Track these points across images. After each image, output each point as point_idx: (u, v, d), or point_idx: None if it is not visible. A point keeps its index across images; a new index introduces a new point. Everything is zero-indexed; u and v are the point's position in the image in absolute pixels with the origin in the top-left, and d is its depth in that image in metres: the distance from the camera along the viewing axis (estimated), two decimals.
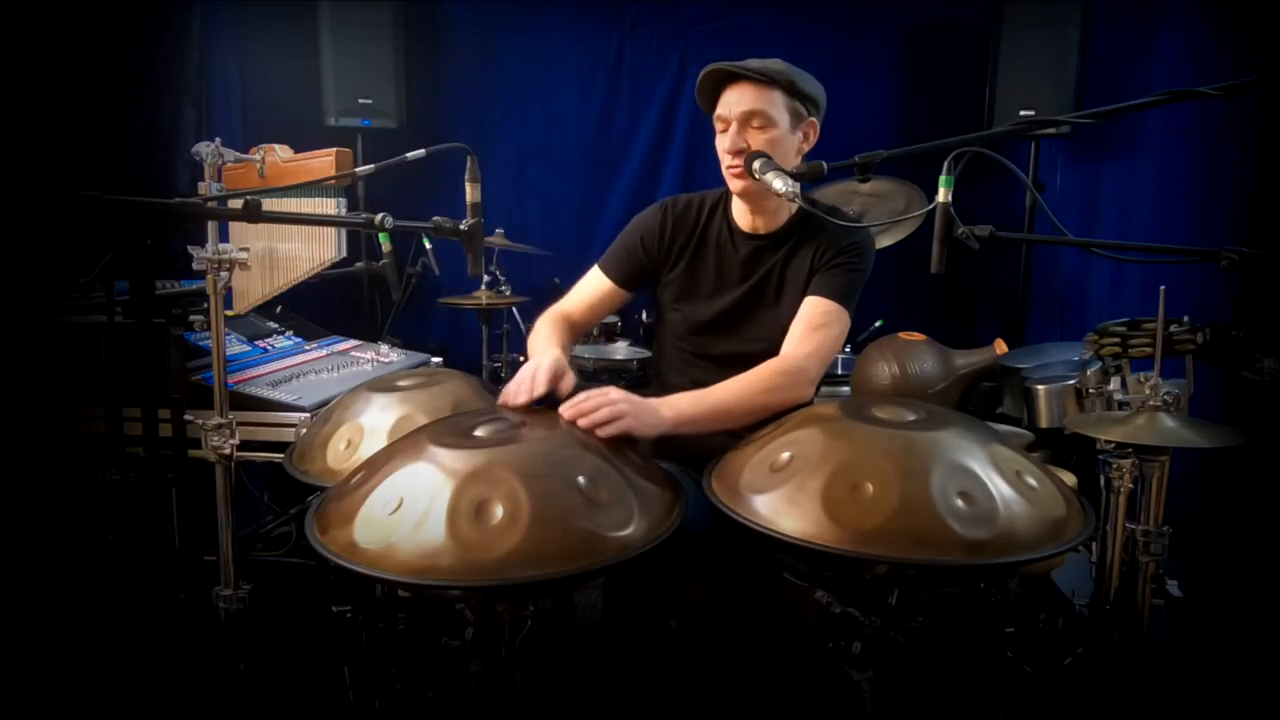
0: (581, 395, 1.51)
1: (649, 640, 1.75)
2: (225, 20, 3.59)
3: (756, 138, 1.79)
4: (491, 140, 4.15)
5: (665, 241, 1.96)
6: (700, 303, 1.94)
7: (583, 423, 1.45)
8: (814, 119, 1.87)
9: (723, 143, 1.83)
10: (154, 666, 1.84)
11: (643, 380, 3.09)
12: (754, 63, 1.79)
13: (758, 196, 1.86)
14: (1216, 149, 3.06)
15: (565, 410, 1.49)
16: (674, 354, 2.02)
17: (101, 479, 1.84)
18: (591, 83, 4.18)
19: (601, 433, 1.45)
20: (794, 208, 1.88)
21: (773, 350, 1.82)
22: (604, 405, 1.47)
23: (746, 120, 1.79)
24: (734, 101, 1.80)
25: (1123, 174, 3.60)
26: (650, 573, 1.65)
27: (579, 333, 2.00)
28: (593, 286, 2.01)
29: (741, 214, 1.94)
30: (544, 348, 1.78)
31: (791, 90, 1.81)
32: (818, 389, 1.93)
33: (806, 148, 1.89)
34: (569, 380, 1.61)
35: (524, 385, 1.56)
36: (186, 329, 2.31)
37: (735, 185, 1.86)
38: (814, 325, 1.81)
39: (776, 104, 1.79)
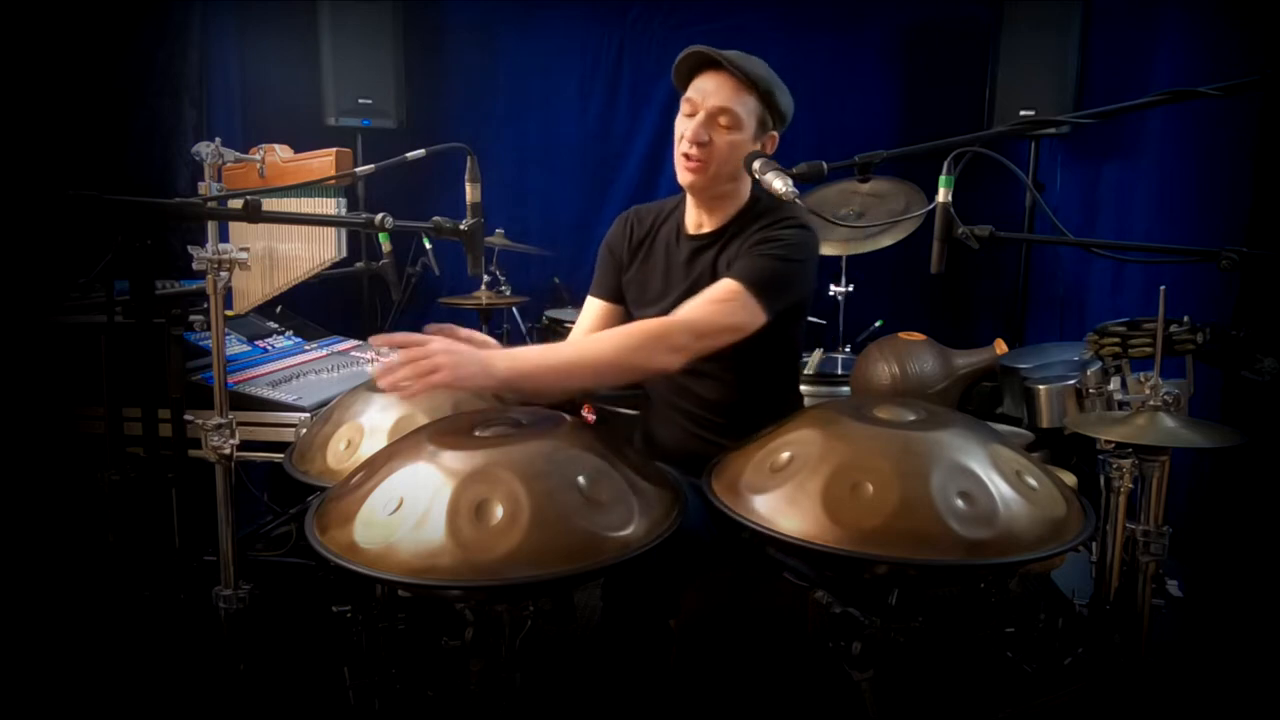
0: (403, 351, 1.40)
1: (648, 640, 1.75)
2: (225, 20, 3.59)
3: (721, 136, 1.77)
4: (491, 140, 4.14)
5: (627, 246, 1.99)
6: (649, 305, 1.93)
7: (383, 383, 1.36)
8: (775, 133, 1.85)
9: (683, 127, 1.80)
10: (154, 666, 1.84)
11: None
12: (738, 59, 1.76)
13: (704, 192, 1.84)
14: (1216, 149, 3.06)
15: (378, 375, 1.38)
16: None
17: (101, 479, 1.84)
18: (591, 83, 4.18)
19: (411, 390, 1.35)
20: (741, 205, 1.86)
21: (720, 352, 1.72)
22: (411, 361, 1.37)
23: (715, 115, 1.77)
24: (709, 90, 1.77)
25: (1123, 174, 3.60)
26: (650, 573, 1.65)
27: None
28: (587, 313, 2.04)
29: (690, 212, 1.92)
30: None
31: (767, 99, 1.78)
32: (801, 391, 1.92)
33: None
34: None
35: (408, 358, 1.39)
36: (186, 329, 2.31)
37: (684, 178, 1.82)
38: (705, 298, 1.69)
39: (748, 107, 1.77)
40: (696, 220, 1.92)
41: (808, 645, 1.59)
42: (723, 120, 1.77)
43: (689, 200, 1.92)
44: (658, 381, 1.99)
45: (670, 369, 1.65)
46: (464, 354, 1.42)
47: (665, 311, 1.86)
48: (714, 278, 1.80)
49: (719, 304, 1.68)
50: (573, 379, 1.58)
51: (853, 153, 1.63)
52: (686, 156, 1.80)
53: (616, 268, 2.00)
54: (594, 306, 2.03)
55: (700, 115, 1.77)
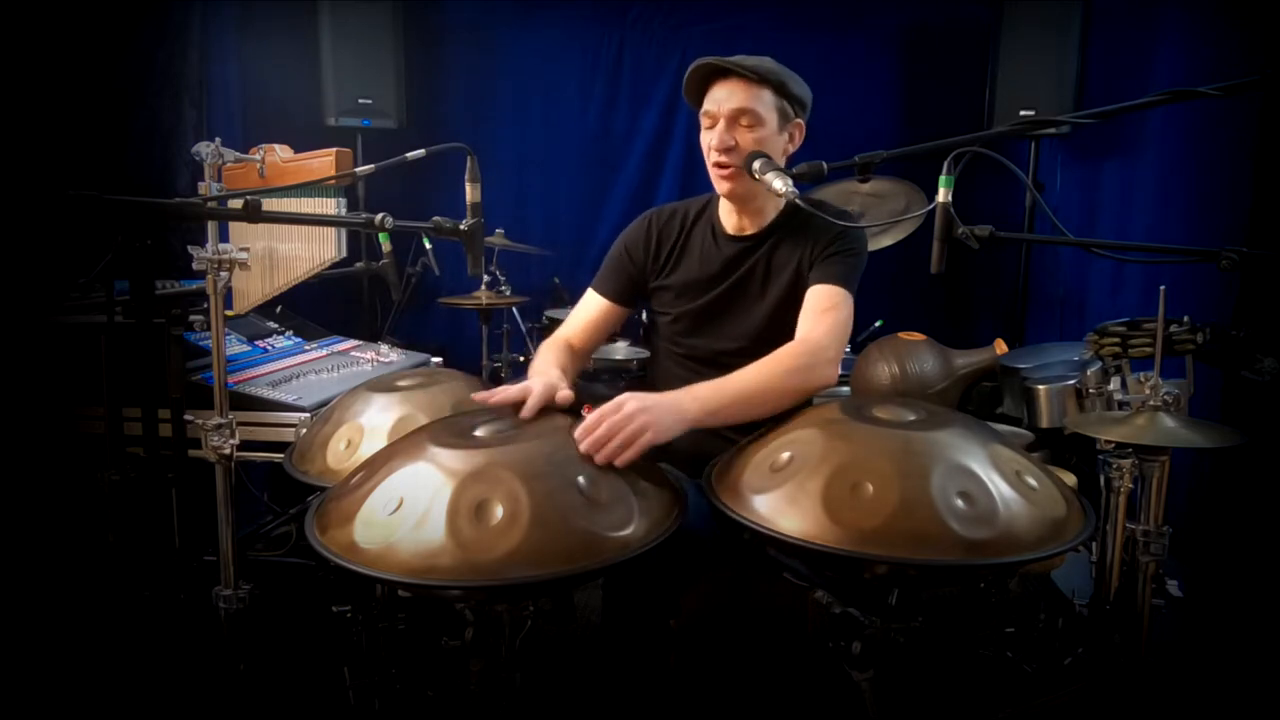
0: (594, 416, 1.40)
1: (649, 640, 1.75)
2: (225, 20, 3.59)
3: (745, 136, 1.78)
4: (491, 140, 4.15)
5: (652, 251, 1.96)
6: (685, 304, 1.94)
7: (600, 458, 1.35)
8: (800, 121, 1.86)
9: (709, 139, 1.81)
10: (154, 666, 1.84)
11: (642, 381, 3.09)
12: (745, 60, 1.77)
13: (744, 197, 1.85)
14: (1216, 149, 3.06)
15: (582, 443, 1.37)
16: (665, 357, 2.01)
17: (101, 479, 1.84)
18: (591, 83, 4.19)
19: (621, 460, 1.36)
20: (780, 206, 1.88)
21: (755, 347, 1.78)
22: (617, 430, 1.37)
23: (735, 118, 1.77)
24: (723, 98, 1.78)
25: (1123, 174, 3.60)
26: (650, 573, 1.65)
27: (581, 357, 1.96)
28: (587, 308, 2.00)
29: (727, 215, 1.93)
30: (542, 368, 1.73)
31: (781, 90, 1.79)
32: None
33: (792, 149, 1.88)
34: (564, 395, 1.53)
35: (511, 394, 1.52)
36: (186, 329, 2.31)
37: (722, 187, 1.84)
38: (823, 308, 1.78)
39: (765, 103, 1.78)
40: (737, 223, 1.92)
41: (808, 645, 1.59)
42: (744, 121, 1.78)
43: (726, 204, 1.92)
44: (663, 383, 1.99)
45: (831, 382, 1.71)
46: (657, 407, 1.44)
47: (704, 309, 1.92)
48: (766, 276, 1.88)
49: (836, 309, 1.79)
50: (749, 411, 1.60)
51: (853, 153, 1.63)
52: (718, 165, 1.81)
53: (636, 272, 1.98)
54: (596, 304, 1.99)
55: (721, 123, 1.78)
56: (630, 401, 1.42)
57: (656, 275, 1.97)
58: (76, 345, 2.05)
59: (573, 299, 3.84)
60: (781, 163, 1.83)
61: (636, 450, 1.38)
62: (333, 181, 2.25)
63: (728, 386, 1.60)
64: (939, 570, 1.27)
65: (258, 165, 2.07)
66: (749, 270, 1.90)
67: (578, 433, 1.39)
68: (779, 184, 1.66)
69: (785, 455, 1.38)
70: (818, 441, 1.39)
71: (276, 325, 2.78)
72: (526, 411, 1.47)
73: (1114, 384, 1.84)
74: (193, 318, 2.36)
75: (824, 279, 1.81)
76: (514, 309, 3.79)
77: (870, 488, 1.27)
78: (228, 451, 1.68)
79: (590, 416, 1.41)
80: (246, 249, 1.69)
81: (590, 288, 2.02)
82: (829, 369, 1.71)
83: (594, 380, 3.62)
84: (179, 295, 2.36)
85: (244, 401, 2.18)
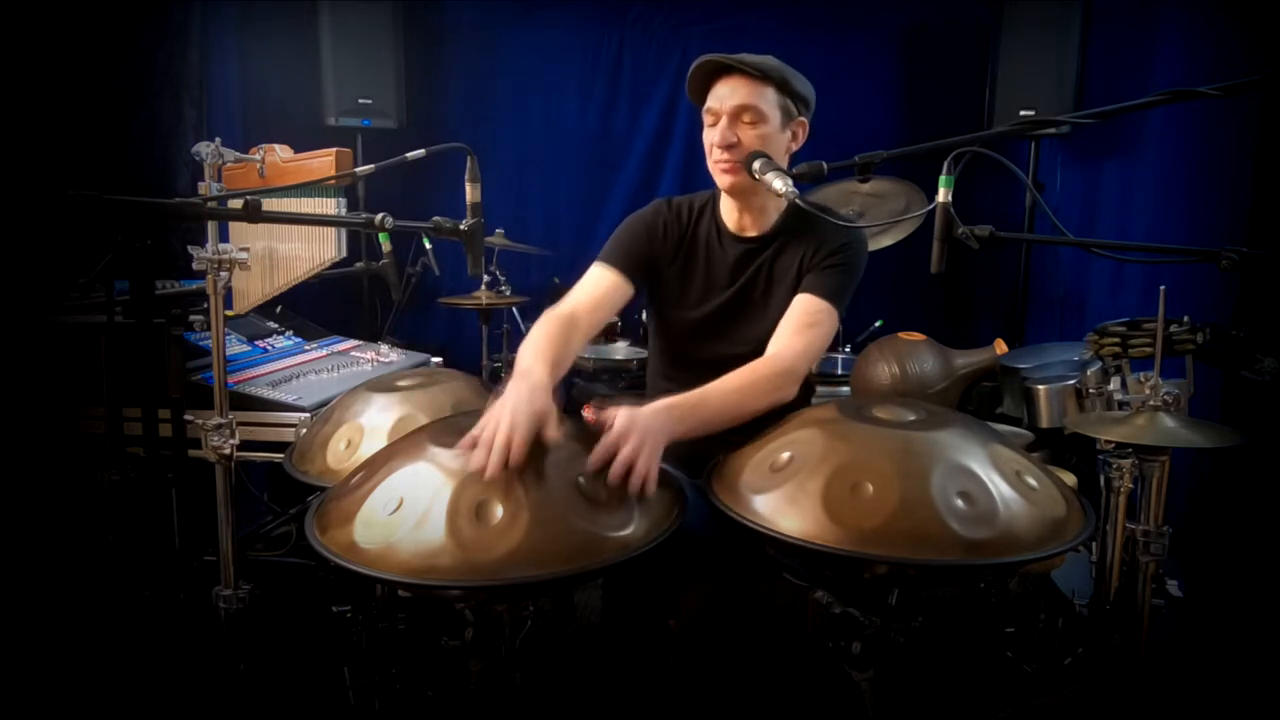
0: (610, 440, 1.37)
1: (649, 641, 1.75)
2: (225, 20, 3.59)
3: (747, 133, 1.76)
4: (491, 140, 4.15)
5: (667, 234, 1.92)
6: (689, 307, 1.92)
7: (632, 486, 1.34)
8: (804, 119, 1.85)
9: (711, 136, 1.79)
10: (154, 666, 1.84)
11: (642, 380, 3.09)
12: (748, 57, 1.77)
13: (747, 193, 1.84)
14: (1216, 149, 3.07)
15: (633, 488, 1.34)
16: (664, 358, 2.00)
17: (101, 479, 1.84)
18: (591, 83, 4.19)
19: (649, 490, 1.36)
20: (783, 207, 1.87)
21: (759, 352, 1.75)
22: (632, 460, 1.35)
23: (737, 115, 1.76)
24: (726, 95, 1.77)
25: (1123, 174, 3.60)
26: (650, 573, 1.65)
27: (586, 334, 1.81)
28: (596, 281, 1.86)
29: (730, 213, 1.92)
30: (531, 365, 1.55)
31: (784, 87, 1.78)
32: (812, 390, 1.92)
33: (795, 147, 1.86)
34: (552, 431, 1.38)
35: (497, 451, 1.29)
36: (186, 329, 2.31)
37: (724, 181, 1.82)
38: (804, 324, 1.77)
39: (769, 100, 1.77)
40: (739, 222, 1.91)
41: (808, 645, 1.60)
42: (746, 118, 1.76)
43: (728, 201, 1.90)
44: (661, 384, 1.98)
45: (789, 399, 1.70)
46: (651, 429, 1.41)
47: (709, 315, 1.90)
48: (769, 282, 1.87)
49: (817, 326, 1.78)
50: (719, 427, 1.60)
51: (853, 153, 1.63)
52: (719, 162, 1.80)
53: (650, 250, 1.90)
54: (606, 277, 1.86)
55: (723, 120, 1.77)
56: (632, 433, 1.38)
57: (668, 261, 1.93)
58: (76, 345, 2.05)
59: None
60: (784, 161, 1.83)
61: (654, 476, 1.38)
62: (333, 181, 2.25)
63: (706, 405, 1.59)
64: (939, 570, 1.27)
65: (258, 165, 2.07)
66: (753, 276, 1.88)
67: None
68: (779, 184, 1.65)
69: (785, 455, 1.38)
70: (818, 441, 1.39)
71: (276, 325, 2.78)
72: (514, 456, 1.29)
73: (1114, 384, 1.84)
74: (193, 318, 2.36)
75: (813, 290, 1.80)
76: (514, 309, 3.79)
77: (870, 488, 1.27)
78: (228, 451, 1.68)
79: (609, 436, 1.37)
80: (246, 249, 1.70)
81: (597, 262, 1.89)
82: (793, 389, 1.72)
83: (594, 380, 3.62)
84: (179, 295, 2.36)
85: (244, 401, 2.18)
